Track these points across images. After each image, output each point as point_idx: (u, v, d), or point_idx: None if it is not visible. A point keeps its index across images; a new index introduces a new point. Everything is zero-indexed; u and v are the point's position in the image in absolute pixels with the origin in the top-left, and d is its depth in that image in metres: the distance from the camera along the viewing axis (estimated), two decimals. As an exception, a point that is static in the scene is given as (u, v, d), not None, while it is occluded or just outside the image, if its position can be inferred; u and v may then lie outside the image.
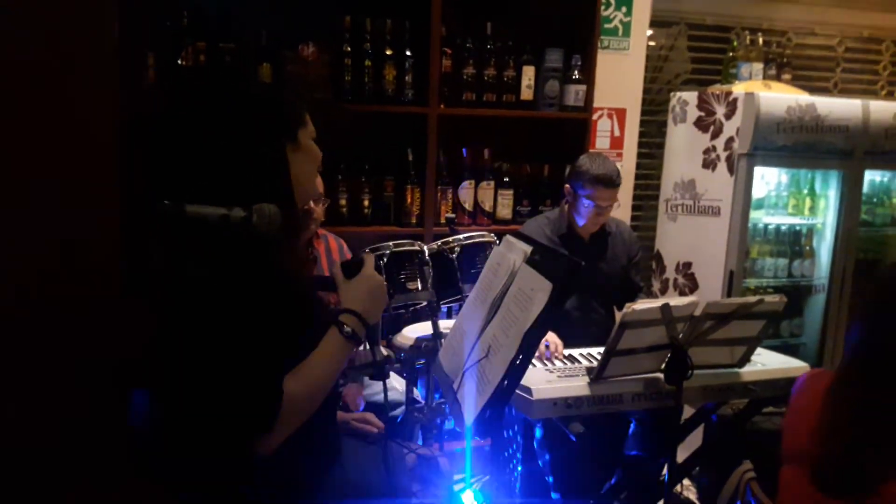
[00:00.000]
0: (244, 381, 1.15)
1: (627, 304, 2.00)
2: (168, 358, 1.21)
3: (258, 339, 1.18)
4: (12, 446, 1.42)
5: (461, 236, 2.06)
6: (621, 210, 3.54)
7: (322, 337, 1.31)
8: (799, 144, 2.99)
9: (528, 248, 1.43)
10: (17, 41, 1.30)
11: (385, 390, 1.72)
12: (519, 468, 2.70)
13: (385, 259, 1.92)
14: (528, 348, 1.22)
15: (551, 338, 2.50)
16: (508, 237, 1.63)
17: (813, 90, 3.73)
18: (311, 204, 2.05)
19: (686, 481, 2.90)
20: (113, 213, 1.11)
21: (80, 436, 1.35)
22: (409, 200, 2.99)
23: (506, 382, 1.20)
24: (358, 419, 1.86)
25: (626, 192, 3.54)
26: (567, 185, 2.73)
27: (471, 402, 1.26)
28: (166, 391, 1.24)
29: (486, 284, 1.55)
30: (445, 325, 2.01)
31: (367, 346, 1.51)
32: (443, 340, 1.89)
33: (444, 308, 2.08)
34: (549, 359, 2.37)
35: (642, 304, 2.01)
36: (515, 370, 1.21)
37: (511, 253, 1.50)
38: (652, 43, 3.57)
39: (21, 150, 1.40)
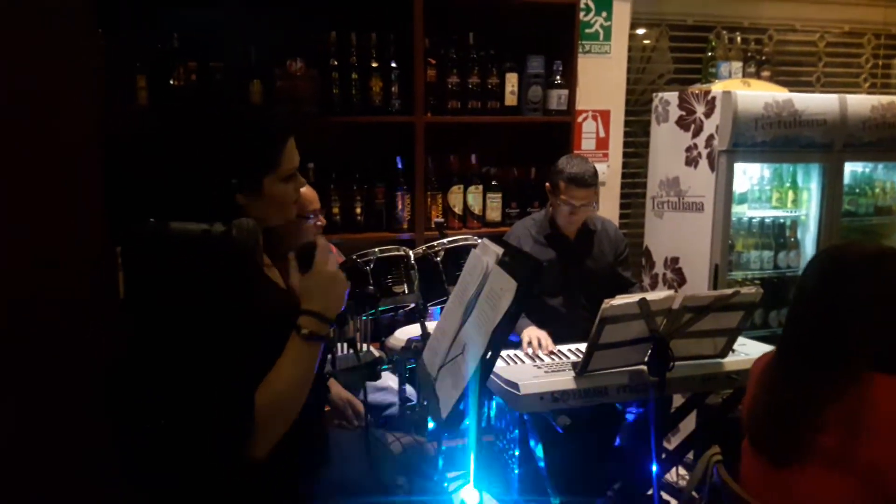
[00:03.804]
0: (216, 393, 1.20)
1: (606, 300, 2.08)
2: (148, 371, 1.27)
3: (232, 353, 1.22)
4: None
5: (445, 240, 2.15)
6: (610, 207, 3.62)
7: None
8: (778, 139, 3.06)
9: (500, 251, 1.52)
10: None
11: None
12: (516, 469, 2.77)
13: (372, 265, 2.02)
14: (496, 344, 1.30)
15: (541, 334, 2.57)
16: (485, 240, 1.71)
17: (796, 85, 3.81)
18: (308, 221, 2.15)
19: (682, 470, 2.97)
20: (97, 232, 1.15)
21: (65, 448, 1.34)
22: (399, 206, 3.07)
23: (477, 376, 1.28)
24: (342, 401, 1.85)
25: (613, 190, 3.63)
26: (547, 184, 2.80)
27: (447, 397, 1.35)
28: (148, 405, 1.29)
29: (464, 285, 1.63)
30: (434, 325, 2.10)
31: (347, 348, 1.54)
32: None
33: (437, 309, 2.14)
34: (536, 355, 2.45)
35: (620, 300, 2.08)
36: (486, 364, 1.30)
37: (485, 255, 1.58)
38: (637, 43, 3.65)
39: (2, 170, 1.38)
